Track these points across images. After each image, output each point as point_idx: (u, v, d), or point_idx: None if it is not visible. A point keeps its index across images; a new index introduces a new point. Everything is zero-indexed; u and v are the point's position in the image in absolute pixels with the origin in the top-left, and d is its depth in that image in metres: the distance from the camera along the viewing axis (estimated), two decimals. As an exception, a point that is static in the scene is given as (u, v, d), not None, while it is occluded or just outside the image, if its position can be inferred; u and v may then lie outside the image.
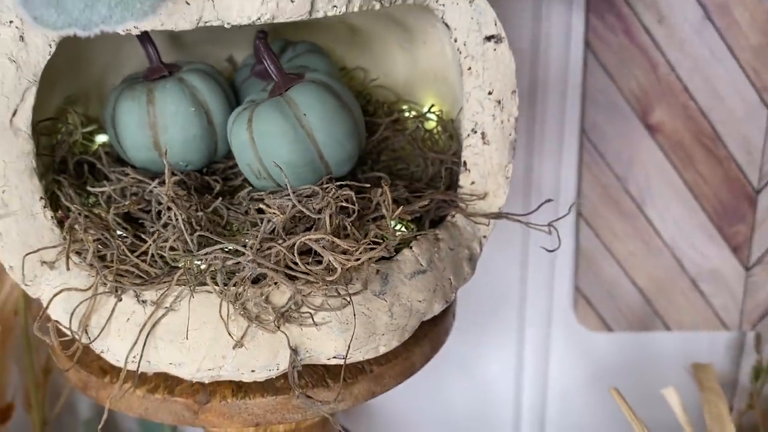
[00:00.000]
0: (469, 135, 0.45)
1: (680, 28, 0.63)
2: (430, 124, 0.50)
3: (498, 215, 0.46)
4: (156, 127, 0.42)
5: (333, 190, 0.38)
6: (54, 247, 0.39)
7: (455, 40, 0.43)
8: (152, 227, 0.39)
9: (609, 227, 0.70)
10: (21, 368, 0.65)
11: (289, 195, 0.38)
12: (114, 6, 0.29)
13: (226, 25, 0.35)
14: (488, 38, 0.43)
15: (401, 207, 0.39)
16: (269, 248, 0.36)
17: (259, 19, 0.36)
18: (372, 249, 0.36)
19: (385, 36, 0.51)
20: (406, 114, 0.51)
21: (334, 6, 0.37)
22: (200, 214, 0.38)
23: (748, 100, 0.65)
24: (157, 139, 0.42)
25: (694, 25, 0.63)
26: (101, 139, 0.48)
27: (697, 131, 0.66)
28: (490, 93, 0.44)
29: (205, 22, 0.35)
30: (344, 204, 0.38)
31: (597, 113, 0.66)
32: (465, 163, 0.45)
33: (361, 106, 0.45)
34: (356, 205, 0.38)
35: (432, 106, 0.51)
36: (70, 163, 0.43)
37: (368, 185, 0.40)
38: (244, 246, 0.36)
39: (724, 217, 0.69)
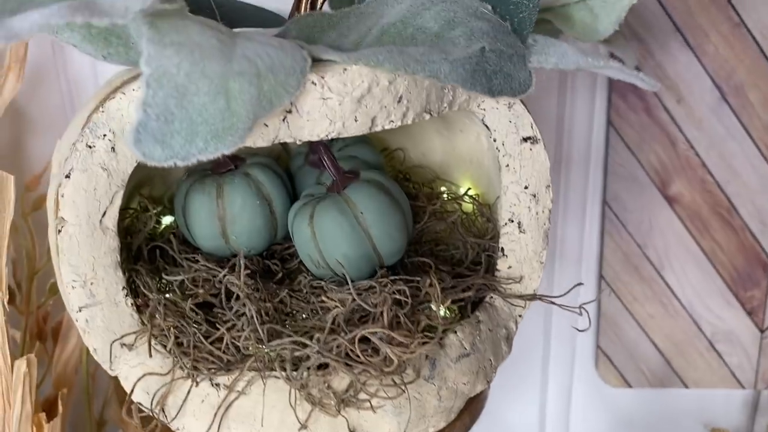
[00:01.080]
0: (506, 224, 0.49)
1: (698, 107, 0.67)
2: (467, 206, 0.55)
3: (533, 297, 0.50)
4: (224, 219, 0.46)
5: (389, 284, 0.42)
6: (134, 333, 0.43)
7: (494, 140, 0.47)
8: (223, 314, 0.43)
9: (629, 291, 0.74)
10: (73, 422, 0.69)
11: (349, 288, 0.42)
12: (209, 140, 0.33)
13: (297, 142, 0.40)
14: (525, 139, 0.47)
15: (449, 299, 0.43)
16: (333, 340, 0.40)
17: (327, 135, 0.40)
18: (425, 343, 0.40)
19: (424, 123, 0.56)
20: (445, 196, 0.56)
21: (391, 121, 0.41)
22: (268, 304, 0.42)
23: (762, 174, 0.69)
24: (225, 229, 0.46)
25: (711, 105, 0.67)
26: (167, 220, 0.52)
27: (713, 202, 0.70)
28: (526, 187, 0.48)
29: (280, 140, 0.39)
30: (398, 297, 0.42)
31: (619, 185, 0.70)
32: (503, 249, 0.49)
33: (401, 184, 0.49)
34: (409, 299, 0.42)
35: (468, 189, 0.55)
36: (144, 251, 0.47)
37: (418, 278, 0.44)
38: (311, 338, 0.40)
39: (739, 282, 0.73)
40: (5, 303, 0.53)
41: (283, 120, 0.39)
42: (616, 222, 0.71)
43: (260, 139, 0.39)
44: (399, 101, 0.41)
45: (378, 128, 0.41)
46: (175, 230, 0.51)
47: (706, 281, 0.73)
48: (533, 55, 0.42)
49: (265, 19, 0.50)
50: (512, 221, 0.49)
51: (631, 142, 0.68)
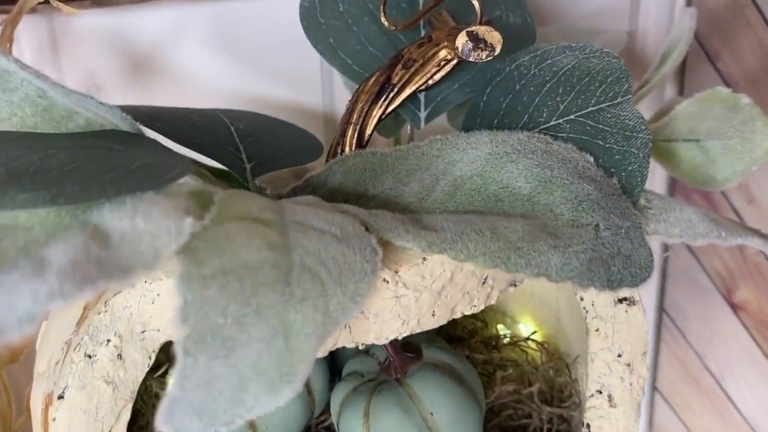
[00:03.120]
0: (593, 395, 0.41)
1: (770, 209, 0.59)
2: (533, 351, 0.46)
3: (622, 479, 0.41)
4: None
5: None
6: None
7: (581, 299, 0.39)
8: None
9: (686, 403, 0.66)
10: None
11: None
12: (261, 395, 0.24)
13: (360, 346, 0.31)
14: (620, 300, 0.39)
15: None
16: None
17: (398, 336, 0.31)
18: None
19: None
20: (505, 340, 0.47)
21: (474, 306, 0.33)
22: None
23: (839, 280, 0.61)
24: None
25: (785, 207, 0.59)
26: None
27: (783, 309, 0.62)
28: (619, 356, 0.40)
29: (336, 347, 0.31)
30: None
31: (678, 291, 0.62)
32: (588, 425, 0.41)
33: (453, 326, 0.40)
34: None
35: (534, 332, 0.47)
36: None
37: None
38: None
39: (807, 393, 0.65)
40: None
41: (345, 325, 0.30)
42: (674, 330, 0.63)
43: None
44: (484, 283, 0.33)
45: (458, 316, 0.33)
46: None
47: (772, 393, 0.65)
48: (651, 223, 0.34)
49: (297, 147, 0.41)
50: (601, 393, 0.41)
51: (695, 246, 0.61)
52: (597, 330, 0.40)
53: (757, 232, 0.33)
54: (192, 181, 0.31)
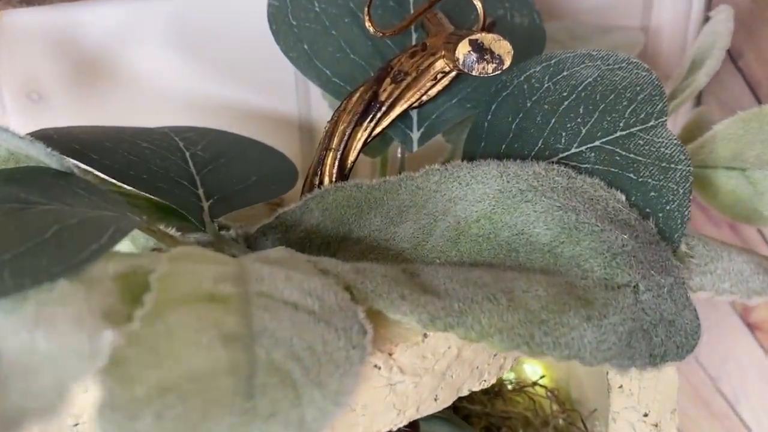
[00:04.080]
0: (614, 459, 0.35)
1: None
2: (540, 399, 0.41)
3: None
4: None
5: None
6: None
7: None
8: None
9: (698, 427, 0.61)
10: None
11: None
12: None
13: (344, 442, 0.25)
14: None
15: None
16: None
17: (390, 429, 0.25)
18: None
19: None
20: (509, 386, 0.41)
21: (484, 381, 0.27)
22: None
23: None
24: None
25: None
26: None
27: (803, 328, 0.57)
28: (645, 415, 0.34)
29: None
30: None
31: (691, 311, 0.57)
32: (609, 493, 0.35)
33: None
34: None
35: (542, 377, 0.41)
36: None
37: None
38: None
39: (826, 415, 0.60)
40: None
41: (326, 421, 0.24)
42: (685, 352, 0.58)
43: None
44: (496, 355, 0.27)
45: (465, 394, 0.27)
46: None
47: (789, 416, 0.60)
48: (695, 276, 0.28)
49: (266, 177, 0.34)
50: (623, 457, 0.35)
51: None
52: (620, 387, 0.34)
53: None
54: (125, 245, 0.25)
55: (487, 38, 0.30)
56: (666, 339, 0.25)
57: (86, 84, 0.46)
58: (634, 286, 0.25)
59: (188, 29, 0.45)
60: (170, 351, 0.18)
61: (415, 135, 0.34)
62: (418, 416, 0.25)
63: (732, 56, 0.49)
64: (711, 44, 0.35)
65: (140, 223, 0.24)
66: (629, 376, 0.33)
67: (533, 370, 0.42)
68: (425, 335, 0.24)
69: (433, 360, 0.24)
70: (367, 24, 0.31)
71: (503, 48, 0.30)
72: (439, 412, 0.34)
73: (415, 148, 0.34)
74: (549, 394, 0.40)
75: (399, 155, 0.37)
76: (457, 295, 0.24)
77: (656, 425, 0.35)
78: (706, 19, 0.48)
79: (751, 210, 0.31)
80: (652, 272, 0.26)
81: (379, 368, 0.23)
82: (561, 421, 0.39)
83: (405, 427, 0.32)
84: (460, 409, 0.40)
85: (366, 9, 0.31)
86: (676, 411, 0.35)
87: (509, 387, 0.41)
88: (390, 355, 0.23)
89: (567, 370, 0.40)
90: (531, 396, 0.40)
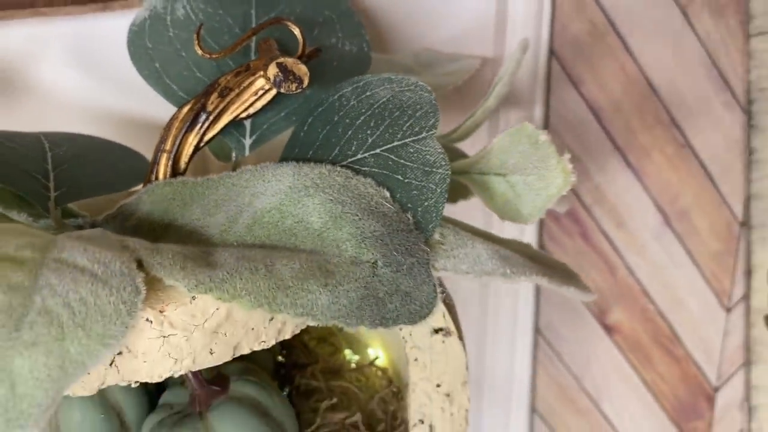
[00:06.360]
0: (416, 425, 0.41)
1: (640, 233, 0.60)
2: (375, 379, 0.46)
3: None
4: (58, 442, 0.37)
5: None
6: None
7: (400, 328, 0.39)
8: None
9: (564, 424, 0.66)
10: None
11: None
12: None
13: (133, 384, 0.31)
14: (436, 331, 0.39)
15: None
16: None
17: (173, 374, 0.31)
18: None
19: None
20: (352, 364, 0.47)
21: (262, 342, 0.33)
22: None
23: (707, 304, 0.62)
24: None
25: (654, 231, 0.60)
26: None
27: (655, 332, 0.63)
28: (438, 385, 0.40)
29: (108, 385, 0.30)
30: None
31: (552, 313, 0.63)
32: (411, 455, 0.41)
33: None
34: None
35: (376, 358, 0.47)
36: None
37: None
38: None
39: (682, 413, 0.66)
40: None
41: (111, 364, 0.30)
42: (550, 352, 0.64)
43: (80, 389, 0.30)
44: (272, 319, 0.33)
45: (245, 352, 0.33)
46: None
47: (647, 413, 0.66)
48: (440, 259, 0.34)
49: (119, 172, 0.40)
50: (422, 422, 0.41)
51: (566, 269, 0.61)
52: (416, 359, 0.40)
53: (547, 273, 0.33)
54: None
55: (289, 62, 0.36)
56: (400, 306, 0.31)
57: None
58: (374, 263, 0.31)
59: (91, 49, 0.51)
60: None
61: (247, 141, 0.41)
62: (196, 367, 0.31)
63: (574, 83, 0.56)
64: (504, 71, 0.41)
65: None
66: (421, 349, 0.39)
67: (375, 352, 0.48)
68: (193, 297, 0.30)
69: (202, 318, 0.30)
70: (196, 47, 0.37)
71: (301, 70, 0.36)
72: (254, 377, 0.39)
73: (247, 153, 0.40)
74: (380, 372, 0.45)
75: (234, 159, 0.43)
76: (227, 267, 0.30)
77: (448, 395, 0.40)
78: (550, 49, 0.54)
79: (515, 210, 0.37)
80: (395, 253, 0.32)
81: (151, 322, 0.29)
82: (391, 395, 0.45)
83: (214, 386, 0.37)
84: (301, 386, 0.46)
85: (195, 36, 0.37)
86: (467, 383, 0.41)
87: (351, 367, 0.47)
88: (161, 312, 0.29)
89: (398, 351, 0.45)
90: (367, 375, 0.46)
